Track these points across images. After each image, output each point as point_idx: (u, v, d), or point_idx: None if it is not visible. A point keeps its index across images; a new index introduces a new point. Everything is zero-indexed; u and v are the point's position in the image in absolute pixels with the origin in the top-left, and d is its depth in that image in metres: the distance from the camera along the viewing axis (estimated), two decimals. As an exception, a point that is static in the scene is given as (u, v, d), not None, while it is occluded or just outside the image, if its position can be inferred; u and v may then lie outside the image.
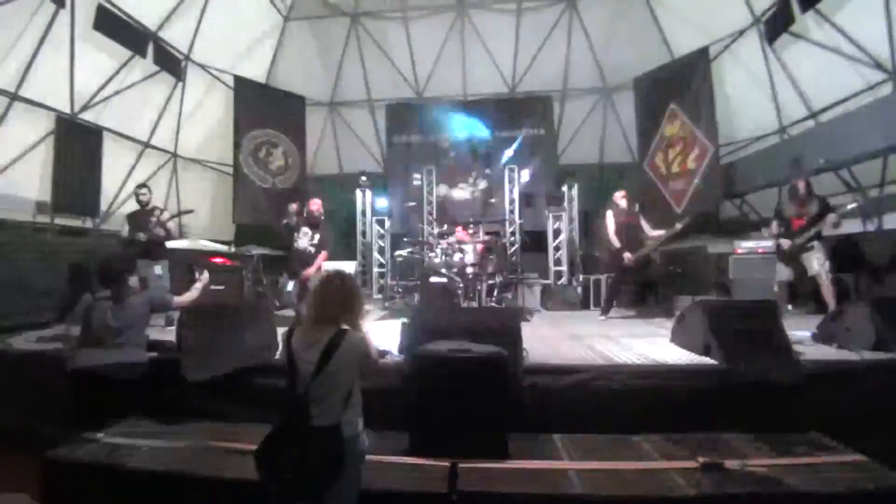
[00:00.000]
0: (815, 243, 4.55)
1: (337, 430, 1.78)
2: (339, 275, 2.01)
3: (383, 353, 2.15)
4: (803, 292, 4.86)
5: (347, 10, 9.99)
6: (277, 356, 3.40)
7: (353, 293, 1.99)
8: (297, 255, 5.18)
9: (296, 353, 1.88)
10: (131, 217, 5.17)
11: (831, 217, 4.46)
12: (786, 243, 4.71)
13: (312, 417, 1.80)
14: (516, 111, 10.10)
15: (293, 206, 6.93)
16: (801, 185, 4.71)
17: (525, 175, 9.41)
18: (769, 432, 2.66)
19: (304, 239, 5.18)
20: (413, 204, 9.17)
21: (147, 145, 8.02)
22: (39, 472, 2.39)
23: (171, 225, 5.14)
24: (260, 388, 3.18)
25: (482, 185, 9.77)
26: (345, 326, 1.89)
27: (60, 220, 6.48)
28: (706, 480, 2.19)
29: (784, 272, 4.77)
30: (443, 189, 9.66)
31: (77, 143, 6.57)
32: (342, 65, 10.50)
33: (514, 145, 9.89)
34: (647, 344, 3.86)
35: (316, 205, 5.28)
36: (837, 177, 6.43)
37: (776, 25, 6.76)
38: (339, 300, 1.93)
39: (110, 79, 6.94)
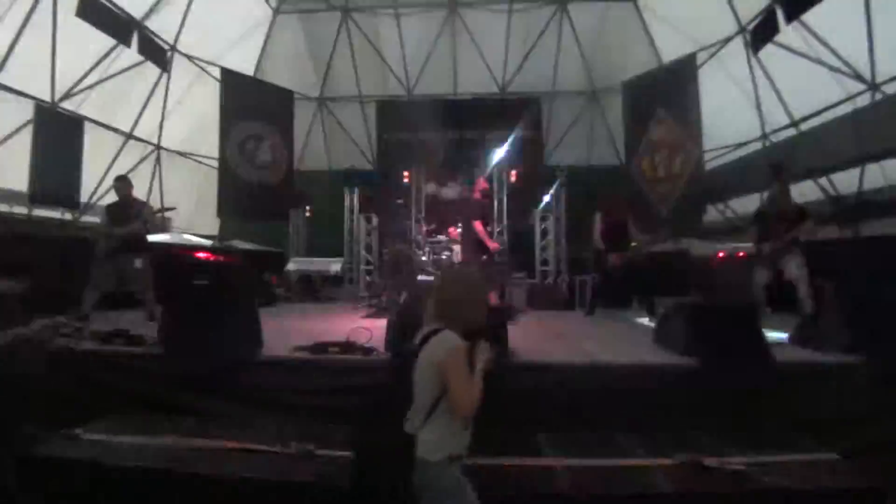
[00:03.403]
0: (794, 248, 4.66)
1: (409, 443, 1.60)
2: (454, 272, 1.88)
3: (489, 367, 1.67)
4: (781, 296, 4.97)
5: (338, 5, 9.92)
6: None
7: (458, 293, 1.76)
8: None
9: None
10: (110, 210, 5.03)
11: (809, 224, 4.58)
12: (765, 248, 4.82)
13: (406, 420, 1.67)
14: (506, 111, 10.14)
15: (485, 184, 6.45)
16: (781, 192, 4.82)
17: (513, 175, 9.45)
18: (747, 431, 2.72)
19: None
20: (402, 202, 9.14)
21: (130, 136, 7.87)
22: (17, 469, 2.33)
23: (153, 219, 5.03)
24: (243, 385, 3.15)
25: (470, 183, 9.78)
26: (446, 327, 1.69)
27: (39, 212, 6.33)
28: (686, 477, 2.23)
29: (763, 276, 4.87)
30: (431, 187, 9.65)
31: (57, 133, 6.42)
32: (332, 60, 10.43)
33: (505, 145, 9.91)
34: (631, 344, 3.92)
35: None
36: (816, 184, 6.60)
37: (761, 35, 6.90)
38: (439, 298, 1.75)
39: (93, 68, 6.78)
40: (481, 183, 6.01)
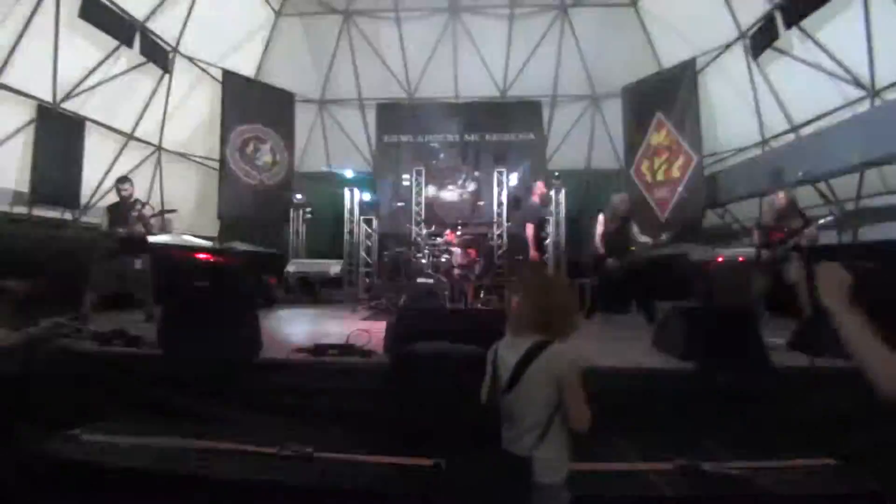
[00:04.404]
0: (794, 253, 4.68)
1: (526, 465, 1.49)
2: (547, 279, 1.76)
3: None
4: (780, 300, 4.98)
5: (340, 8, 9.96)
6: (271, 354, 3.38)
7: (559, 301, 1.66)
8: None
9: (499, 360, 1.65)
10: (112, 210, 5.04)
11: (809, 230, 4.60)
12: (765, 253, 4.83)
13: (504, 439, 1.57)
14: (506, 115, 10.16)
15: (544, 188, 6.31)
16: (782, 197, 4.83)
17: (513, 178, 9.47)
18: (745, 435, 2.72)
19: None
20: (402, 204, 9.16)
21: (131, 137, 7.88)
22: (17, 470, 2.33)
23: (153, 220, 5.03)
24: (242, 387, 3.15)
25: (471, 187, 9.81)
26: (550, 338, 1.60)
27: (39, 212, 6.33)
28: (683, 482, 2.23)
29: (762, 280, 4.88)
30: (431, 190, 9.66)
31: (58, 133, 6.42)
32: (333, 62, 10.45)
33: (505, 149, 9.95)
34: (629, 347, 3.92)
35: None
36: (816, 189, 6.61)
37: (761, 40, 6.93)
38: (544, 306, 1.62)
39: (94, 68, 6.80)
40: (540, 186, 5.93)
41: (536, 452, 1.50)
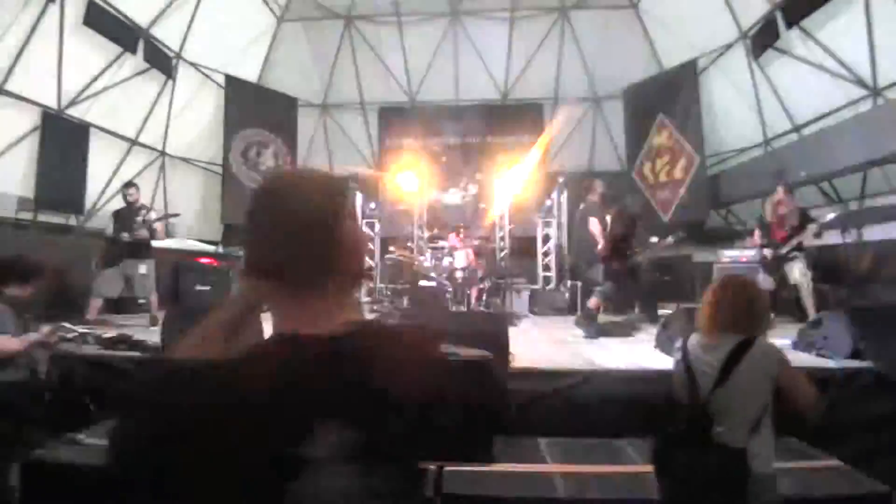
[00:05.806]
0: (797, 253, 4.66)
1: (741, 456, 1.56)
2: (741, 280, 1.82)
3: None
4: (784, 301, 4.96)
5: (341, 13, 10.02)
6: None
7: (756, 299, 1.76)
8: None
9: (693, 359, 1.74)
10: (117, 215, 5.08)
11: (811, 228, 4.58)
12: (768, 253, 4.81)
13: (716, 434, 1.61)
14: (508, 117, 10.18)
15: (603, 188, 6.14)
16: (783, 197, 4.81)
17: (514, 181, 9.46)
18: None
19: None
20: (404, 208, 9.17)
21: (135, 143, 7.93)
22: (20, 473, 2.35)
23: (158, 225, 5.06)
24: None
25: (473, 190, 9.81)
26: (749, 336, 1.69)
27: (44, 217, 6.38)
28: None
29: (766, 281, 4.86)
30: (433, 193, 9.67)
31: (63, 139, 6.48)
32: (335, 67, 10.51)
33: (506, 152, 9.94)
34: (632, 350, 3.91)
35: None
36: (819, 189, 6.59)
37: (762, 41, 6.93)
38: (742, 306, 1.72)
39: (99, 75, 6.86)
40: (598, 185, 5.85)
41: (750, 445, 1.58)
